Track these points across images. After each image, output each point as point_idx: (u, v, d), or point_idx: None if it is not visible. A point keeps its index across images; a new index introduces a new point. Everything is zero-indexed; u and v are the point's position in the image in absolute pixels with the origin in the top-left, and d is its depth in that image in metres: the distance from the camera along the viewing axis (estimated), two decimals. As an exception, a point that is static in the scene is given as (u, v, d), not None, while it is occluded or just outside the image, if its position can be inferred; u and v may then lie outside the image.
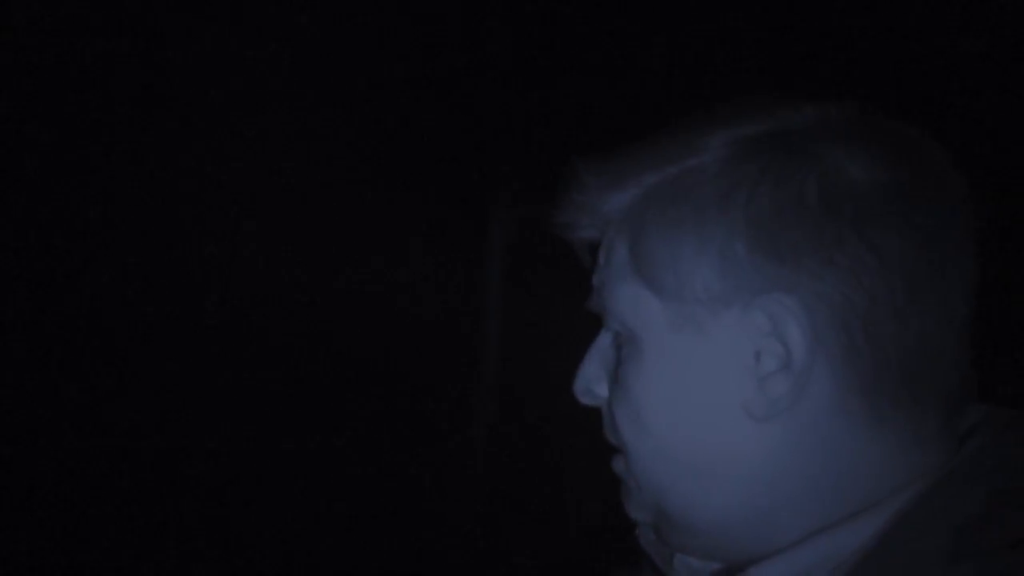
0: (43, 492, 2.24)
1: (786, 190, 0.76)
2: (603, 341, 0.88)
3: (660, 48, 2.13)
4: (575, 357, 0.89)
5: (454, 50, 2.20)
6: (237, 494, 2.34)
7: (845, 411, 0.77)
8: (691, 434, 0.80)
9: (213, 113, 2.21)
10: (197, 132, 2.22)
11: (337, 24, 2.24)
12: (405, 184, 2.12)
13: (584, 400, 0.88)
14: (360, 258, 2.29)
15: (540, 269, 2.06)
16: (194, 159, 2.23)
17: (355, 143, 2.06)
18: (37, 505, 2.23)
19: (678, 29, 2.09)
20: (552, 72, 2.13)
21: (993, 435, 0.80)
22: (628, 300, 0.83)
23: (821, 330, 0.75)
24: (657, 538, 0.89)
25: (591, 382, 0.88)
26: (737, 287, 0.77)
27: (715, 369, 0.79)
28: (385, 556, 2.37)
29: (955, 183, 0.80)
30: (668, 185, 0.81)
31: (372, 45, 2.25)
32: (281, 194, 2.26)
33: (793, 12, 2.06)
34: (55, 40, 2.12)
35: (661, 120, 0.84)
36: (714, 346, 0.79)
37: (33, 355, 2.23)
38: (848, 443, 0.77)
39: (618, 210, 0.85)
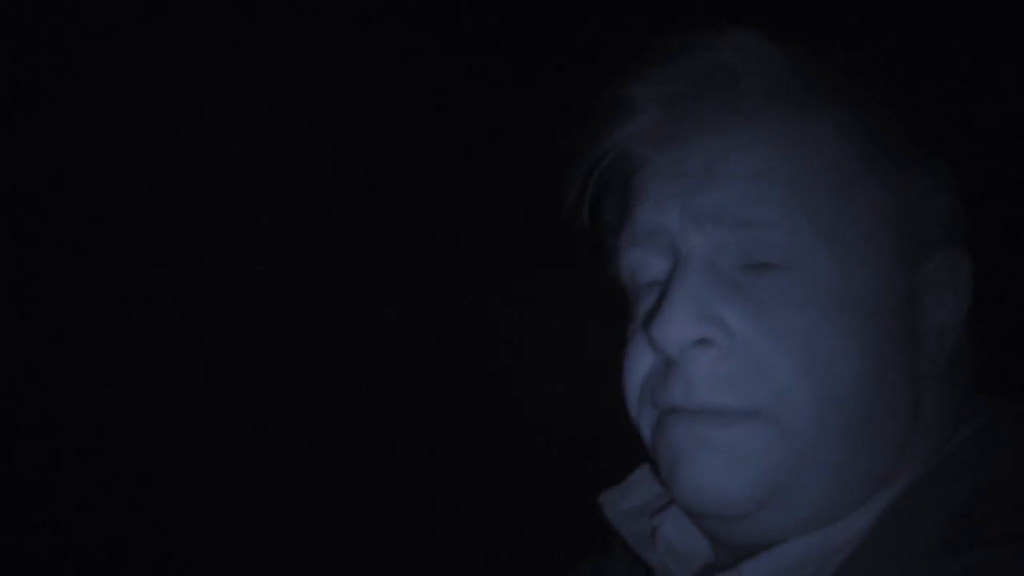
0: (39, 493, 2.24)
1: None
2: (694, 280, 0.73)
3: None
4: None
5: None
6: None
7: (944, 378, 0.75)
8: (863, 380, 0.71)
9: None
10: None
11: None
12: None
13: (680, 346, 0.71)
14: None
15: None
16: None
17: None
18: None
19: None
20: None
21: (985, 426, 0.76)
22: (814, 216, 0.70)
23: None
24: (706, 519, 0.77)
25: (708, 321, 0.71)
26: (954, 233, 0.76)
27: (905, 311, 0.73)
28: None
29: None
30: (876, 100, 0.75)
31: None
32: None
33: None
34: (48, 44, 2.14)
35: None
36: (911, 286, 0.74)
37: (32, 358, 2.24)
38: (924, 414, 0.74)
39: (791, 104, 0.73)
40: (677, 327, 0.71)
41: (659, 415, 0.75)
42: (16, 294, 2.22)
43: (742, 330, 0.71)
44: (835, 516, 0.73)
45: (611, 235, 0.82)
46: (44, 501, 2.23)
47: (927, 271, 0.74)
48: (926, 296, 0.74)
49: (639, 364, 0.77)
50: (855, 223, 0.72)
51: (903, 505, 0.72)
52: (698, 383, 0.72)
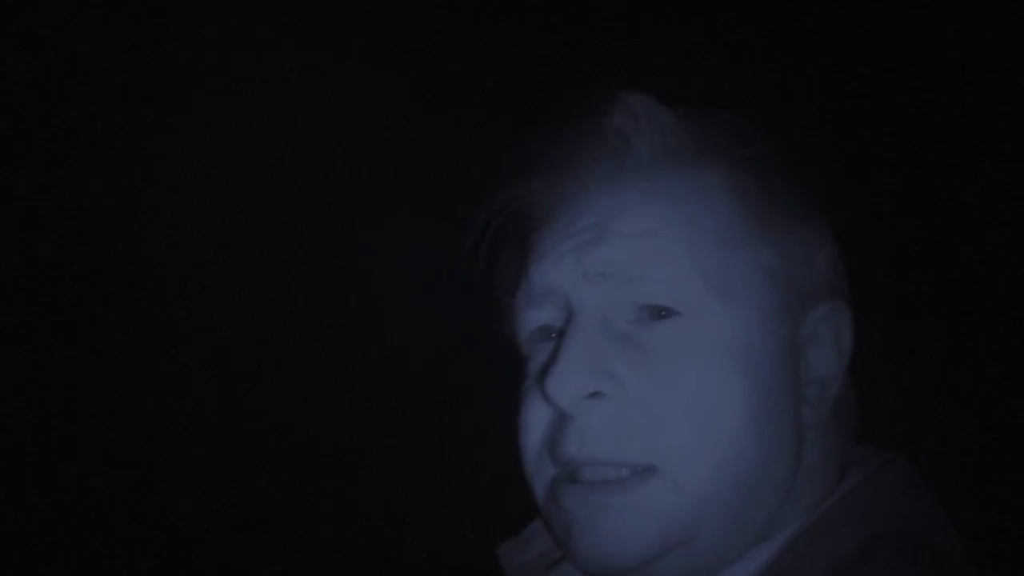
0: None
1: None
2: (586, 335, 0.74)
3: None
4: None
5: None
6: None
7: (828, 427, 0.78)
8: (751, 428, 0.72)
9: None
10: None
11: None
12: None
13: (573, 400, 0.72)
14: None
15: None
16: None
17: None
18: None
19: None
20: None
21: (871, 476, 0.78)
22: (702, 272, 0.73)
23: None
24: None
25: (600, 375, 0.72)
26: (835, 286, 0.79)
27: (788, 362, 0.75)
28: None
29: None
30: (771, 164, 0.78)
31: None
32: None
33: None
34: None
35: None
36: (794, 339, 0.76)
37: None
38: (808, 461, 0.76)
39: (686, 168, 0.76)
40: (570, 380, 0.72)
41: (551, 481, 0.76)
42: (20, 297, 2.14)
43: (633, 383, 0.72)
44: (723, 565, 0.74)
45: (507, 294, 0.82)
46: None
47: (810, 322, 0.77)
48: (809, 346, 0.77)
49: (536, 419, 0.77)
50: (742, 278, 0.74)
51: (790, 554, 0.73)
52: (592, 436, 0.72)
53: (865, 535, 0.72)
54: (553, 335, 0.78)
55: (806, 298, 0.77)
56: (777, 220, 0.76)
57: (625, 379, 0.72)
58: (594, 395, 0.72)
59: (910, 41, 1.84)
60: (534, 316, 0.79)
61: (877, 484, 0.77)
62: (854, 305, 0.80)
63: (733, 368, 0.72)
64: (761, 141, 0.79)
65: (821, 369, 0.77)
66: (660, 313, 0.73)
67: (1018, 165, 1.80)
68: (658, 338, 0.73)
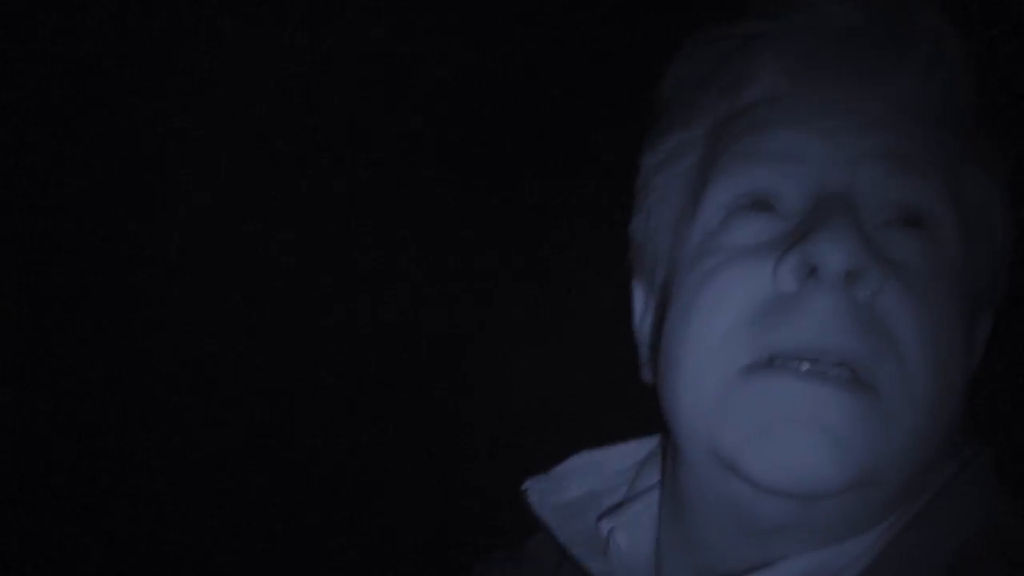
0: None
1: None
2: (854, 213, 0.67)
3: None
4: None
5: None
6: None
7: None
8: (962, 390, 0.70)
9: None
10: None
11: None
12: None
13: (847, 268, 0.64)
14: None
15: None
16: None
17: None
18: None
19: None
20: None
21: (975, 462, 0.73)
22: (955, 196, 0.70)
23: None
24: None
25: (871, 256, 0.65)
26: (994, 297, 0.78)
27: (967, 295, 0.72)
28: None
29: None
30: None
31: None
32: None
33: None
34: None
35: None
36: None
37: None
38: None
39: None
40: (847, 247, 0.63)
41: (744, 368, 0.65)
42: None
43: (889, 283, 0.64)
44: (869, 524, 0.68)
45: (693, 144, 0.76)
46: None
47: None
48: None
49: (742, 294, 0.67)
50: (975, 217, 0.72)
51: (911, 533, 0.68)
52: (835, 323, 0.63)
53: (979, 524, 0.68)
54: (779, 206, 0.69)
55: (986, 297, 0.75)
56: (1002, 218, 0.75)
57: (885, 273, 0.64)
58: (851, 278, 0.63)
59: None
60: (761, 177, 0.70)
61: (982, 470, 0.72)
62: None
63: (961, 316, 0.68)
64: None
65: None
66: (913, 220, 0.68)
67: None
68: (906, 250, 0.67)
